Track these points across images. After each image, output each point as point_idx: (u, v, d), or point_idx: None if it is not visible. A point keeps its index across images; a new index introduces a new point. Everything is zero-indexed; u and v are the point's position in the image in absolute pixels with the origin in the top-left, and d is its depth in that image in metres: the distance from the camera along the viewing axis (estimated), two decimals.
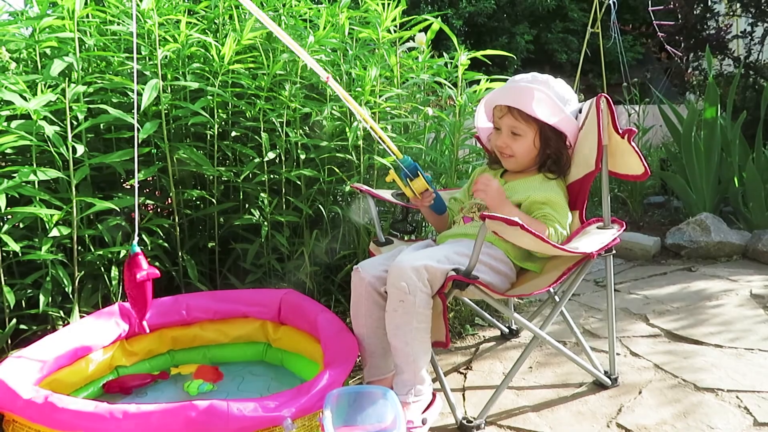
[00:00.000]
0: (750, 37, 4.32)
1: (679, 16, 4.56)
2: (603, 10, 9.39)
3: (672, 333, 2.13)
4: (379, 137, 1.59)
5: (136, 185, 1.38)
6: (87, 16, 2.01)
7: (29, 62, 2.00)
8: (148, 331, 1.36)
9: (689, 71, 4.63)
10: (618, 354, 1.96)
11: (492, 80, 2.34)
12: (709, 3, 4.56)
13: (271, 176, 2.12)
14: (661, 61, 5.25)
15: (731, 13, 4.48)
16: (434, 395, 1.51)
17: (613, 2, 9.12)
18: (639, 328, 2.20)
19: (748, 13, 4.33)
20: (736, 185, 3.40)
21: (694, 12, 4.49)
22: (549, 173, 1.72)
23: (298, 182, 2.18)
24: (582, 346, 1.84)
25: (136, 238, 1.28)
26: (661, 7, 5.26)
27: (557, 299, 1.82)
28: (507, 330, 2.17)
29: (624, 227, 1.67)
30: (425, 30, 2.42)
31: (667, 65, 5.30)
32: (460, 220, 1.78)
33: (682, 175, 3.53)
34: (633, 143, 1.59)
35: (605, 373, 1.78)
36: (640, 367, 1.89)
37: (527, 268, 1.68)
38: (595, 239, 1.57)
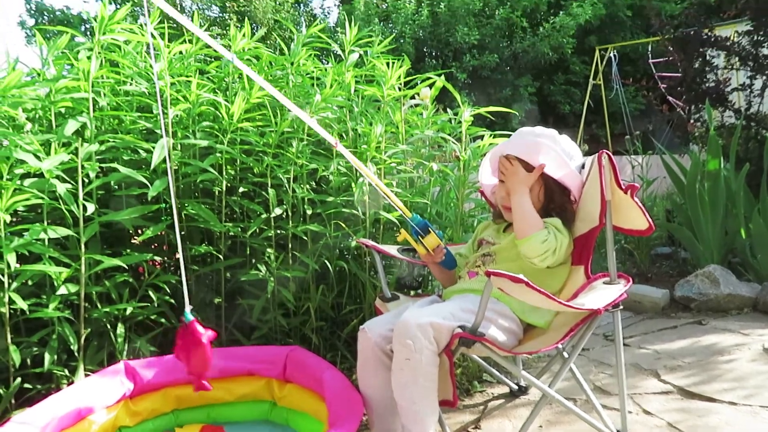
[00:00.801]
0: (750, 90, 4.39)
1: (680, 69, 4.65)
2: (604, 62, 9.56)
3: (684, 390, 2.09)
4: (389, 199, 1.62)
5: (182, 258, 1.39)
6: (101, 77, 2.08)
7: (44, 121, 2.06)
8: (210, 387, 1.36)
9: (691, 122, 4.68)
10: (630, 412, 1.92)
11: (495, 136, 2.38)
12: (708, 57, 4.65)
13: (278, 231, 2.14)
14: (663, 113, 5.32)
15: (729, 67, 4.56)
16: None
17: (614, 55, 9.31)
18: (650, 385, 2.16)
19: (746, 67, 4.41)
20: (743, 236, 3.38)
21: (694, 66, 4.58)
22: None
23: (305, 237, 2.19)
24: (592, 404, 1.80)
25: (189, 307, 1.30)
26: (661, 59, 5.36)
27: (566, 355, 1.79)
28: (516, 387, 2.14)
29: (630, 282, 1.66)
30: (430, 86, 2.48)
31: (669, 117, 5.36)
32: (465, 275, 1.77)
33: (689, 227, 3.53)
34: (636, 199, 1.60)
35: None
36: (653, 425, 1.84)
37: (533, 324, 1.66)
38: (602, 295, 1.56)
